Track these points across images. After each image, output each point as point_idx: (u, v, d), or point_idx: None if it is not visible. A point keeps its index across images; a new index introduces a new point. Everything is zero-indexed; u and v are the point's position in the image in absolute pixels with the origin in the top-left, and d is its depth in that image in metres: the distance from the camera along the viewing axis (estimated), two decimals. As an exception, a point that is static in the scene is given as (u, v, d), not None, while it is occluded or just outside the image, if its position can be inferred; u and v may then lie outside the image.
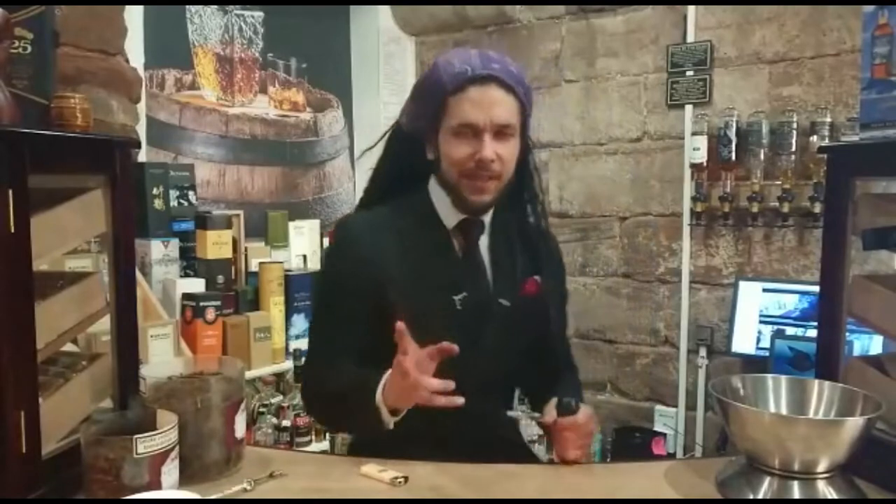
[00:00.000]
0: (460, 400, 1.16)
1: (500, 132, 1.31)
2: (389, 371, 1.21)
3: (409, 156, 1.41)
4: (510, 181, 1.36)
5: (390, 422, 1.22)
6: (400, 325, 1.16)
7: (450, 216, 1.38)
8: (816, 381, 1.12)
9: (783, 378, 1.14)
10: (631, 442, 3.00)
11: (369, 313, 1.33)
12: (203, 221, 2.35)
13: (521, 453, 1.47)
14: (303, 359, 2.50)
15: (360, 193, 1.53)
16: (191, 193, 2.41)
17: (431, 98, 1.34)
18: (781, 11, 2.79)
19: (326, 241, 3.03)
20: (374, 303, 1.33)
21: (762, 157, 2.76)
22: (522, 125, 1.36)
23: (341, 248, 1.41)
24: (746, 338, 2.78)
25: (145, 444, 0.98)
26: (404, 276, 1.34)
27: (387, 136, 1.47)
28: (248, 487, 1.09)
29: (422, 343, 1.22)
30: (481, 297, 1.38)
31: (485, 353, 1.35)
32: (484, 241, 1.41)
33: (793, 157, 2.71)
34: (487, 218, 1.41)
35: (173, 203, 2.36)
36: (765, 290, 2.79)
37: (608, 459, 3.03)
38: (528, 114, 1.37)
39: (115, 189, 1.12)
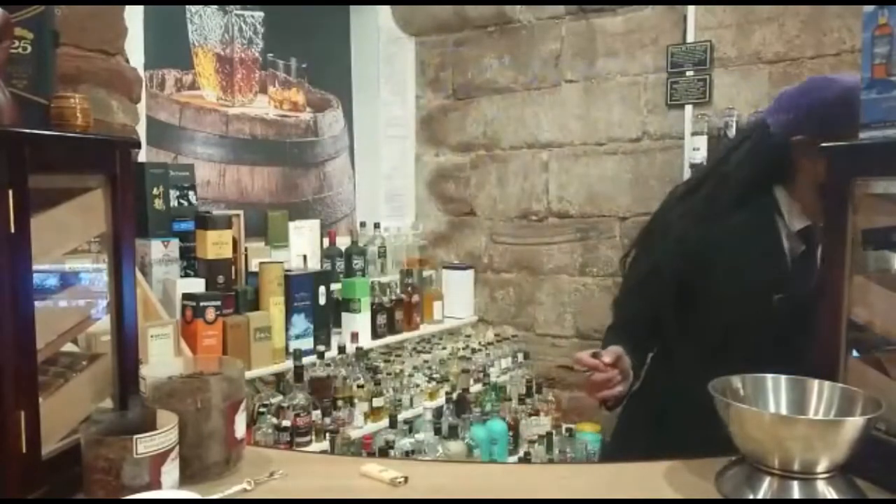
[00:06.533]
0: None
1: None
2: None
3: (770, 160, 1.49)
4: None
5: None
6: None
7: (795, 220, 1.47)
8: (816, 381, 1.11)
9: (783, 378, 1.14)
10: (631, 442, 2.99)
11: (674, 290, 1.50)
12: (203, 221, 2.35)
13: None
14: (304, 359, 2.52)
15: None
16: (191, 193, 2.41)
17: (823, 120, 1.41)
18: (781, 11, 2.79)
19: (326, 241, 3.04)
20: (679, 282, 1.50)
21: (762, 157, 2.76)
22: None
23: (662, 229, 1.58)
24: (746, 338, 2.78)
25: (145, 444, 0.98)
26: (724, 264, 1.46)
27: (752, 139, 1.53)
28: (248, 487, 1.09)
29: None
30: (805, 301, 1.39)
31: (781, 355, 1.34)
32: (818, 252, 1.46)
33: (793, 157, 2.71)
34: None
35: (173, 203, 2.36)
36: (765, 290, 2.78)
37: (608, 459, 3.03)
38: None
39: (115, 189, 1.12)
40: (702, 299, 1.50)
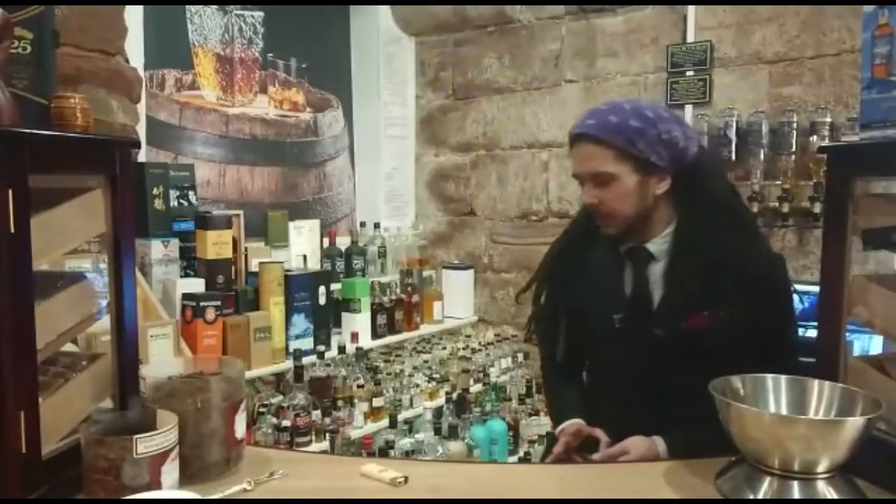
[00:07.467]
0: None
1: (598, 179, 1.46)
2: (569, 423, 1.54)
3: None
4: (645, 213, 1.47)
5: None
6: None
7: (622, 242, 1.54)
8: (816, 381, 1.11)
9: (783, 378, 1.14)
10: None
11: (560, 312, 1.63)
12: (203, 221, 2.35)
13: None
14: (304, 359, 2.52)
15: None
16: (191, 193, 2.41)
17: None
18: (781, 11, 2.79)
19: (326, 241, 3.04)
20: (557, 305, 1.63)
21: (762, 157, 2.76)
22: (643, 164, 1.44)
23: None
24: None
25: (145, 444, 0.98)
26: (575, 289, 1.59)
27: None
28: (248, 487, 1.09)
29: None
30: (639, 322, 1.48)
31: (634, 374, 1.48)
32: (659, 269, 1.49)
33: (793, 157, 2.71)
34: (656, 247, 1.50)
35: (173, 203, 2.36)
36: (765, 290, 2.78)
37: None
38: (640, 151, 1.43)
39: (115, 189, 1.12)
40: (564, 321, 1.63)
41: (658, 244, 1.50)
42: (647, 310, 1.48)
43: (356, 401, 2.70)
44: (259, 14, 3.17)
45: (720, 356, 1.33)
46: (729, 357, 1.30)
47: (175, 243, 2.33)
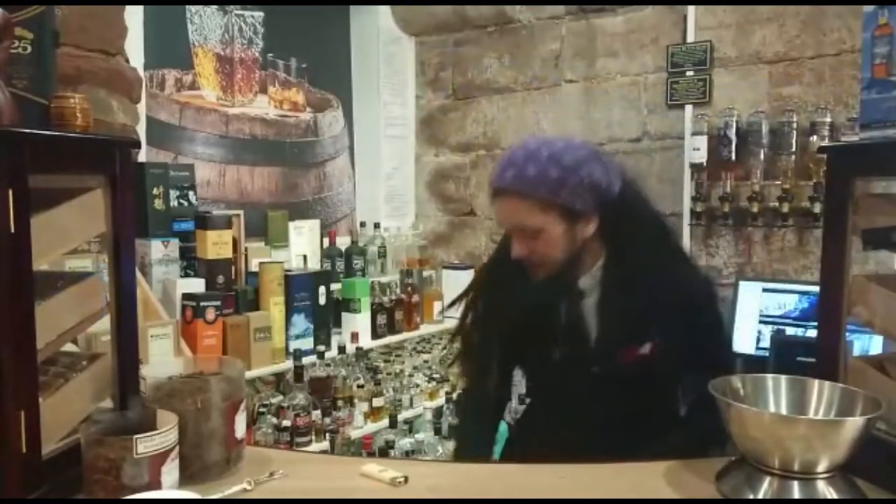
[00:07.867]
0: None
1: (525, 232, 1.42)
2: None
3: None
4: (574, 255, 1.44)
5: None
6: None
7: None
8: (816, 381, 1.11)
9: (783, 378, 1.14)
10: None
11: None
12: (203, 221, 2.35)
13: None
14: (304, 359, 2.52)
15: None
16: (191, 193, 2.41)
17: None
18: (781, 11, 2.79)
19: (326, 241, 3.04)
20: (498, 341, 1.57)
21: (762, 157, 2.76)
22: (568, 211, 1.40)
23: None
24: (746, 338, 2.78)
25: (145, 444, 0.98)
26: (511, 321, 1.51)
27: None
28: (249, 487, 1.09)
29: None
30: (578, 358, 1.46)
31: (571, 406, 1.44)
32: (591, 303, 1.47)
33: (793, 157, 2.71)
34: (587, 283, 1.47)
35: (173, 203, 2.36)
36: (765, 291, 2.79)
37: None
38: (564, 200, 1.39)
39: (115, 189, 1.12)
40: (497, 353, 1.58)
41: (587, 280, 1.48)
42: (585, 346, 1.46)
43: (356, 401, 2.70)
44: (259, 14, 3.17)
45: (657, 385, 1.35)
46: (665, 386, 1.30)
47: (175, 243, 2.33)
